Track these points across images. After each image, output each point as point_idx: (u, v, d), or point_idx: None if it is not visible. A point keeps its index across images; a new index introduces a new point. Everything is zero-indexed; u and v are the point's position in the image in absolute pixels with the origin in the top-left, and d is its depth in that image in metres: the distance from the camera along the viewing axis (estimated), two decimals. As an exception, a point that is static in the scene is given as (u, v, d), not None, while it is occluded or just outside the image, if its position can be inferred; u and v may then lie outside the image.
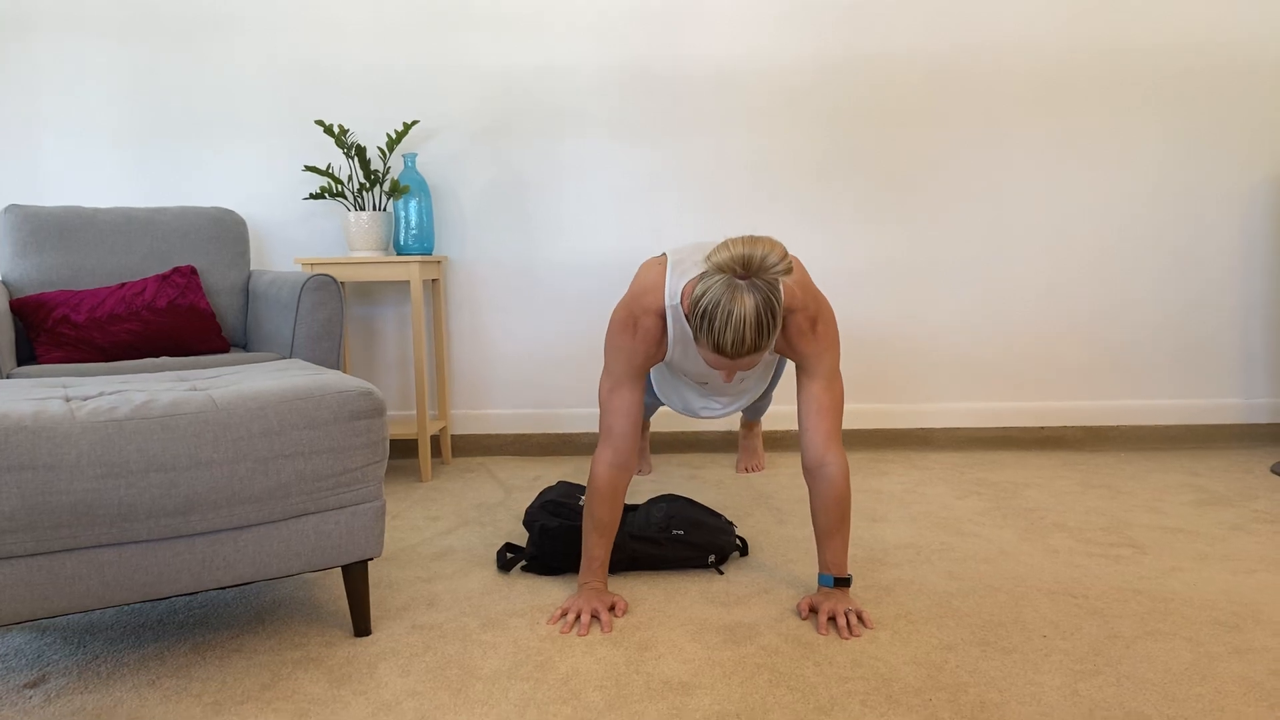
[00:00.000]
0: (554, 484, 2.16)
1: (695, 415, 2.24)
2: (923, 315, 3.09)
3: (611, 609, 1.71)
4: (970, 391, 3.11)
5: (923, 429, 3.11)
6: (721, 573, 1.92)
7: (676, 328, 1.76)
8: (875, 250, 3.07)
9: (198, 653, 1.58)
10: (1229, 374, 3.09)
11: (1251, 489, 2.52)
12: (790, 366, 3.11)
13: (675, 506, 2.03)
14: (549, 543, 1.91)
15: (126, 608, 1.80)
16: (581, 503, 2.04)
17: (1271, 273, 3.06)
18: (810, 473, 1.72)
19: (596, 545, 1.77)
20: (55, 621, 1.74)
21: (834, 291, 3.08)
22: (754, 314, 1.46)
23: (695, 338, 1.54)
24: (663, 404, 2.42)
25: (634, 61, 3.02)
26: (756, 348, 1.49)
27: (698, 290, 1.50)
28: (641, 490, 2.59)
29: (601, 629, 1.64)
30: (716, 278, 1.48)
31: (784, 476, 2.73)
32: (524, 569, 1.96)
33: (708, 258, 1.51)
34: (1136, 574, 1.86)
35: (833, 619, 1.64)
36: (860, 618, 1.65)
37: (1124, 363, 3.09)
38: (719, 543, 1.95)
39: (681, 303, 1.71)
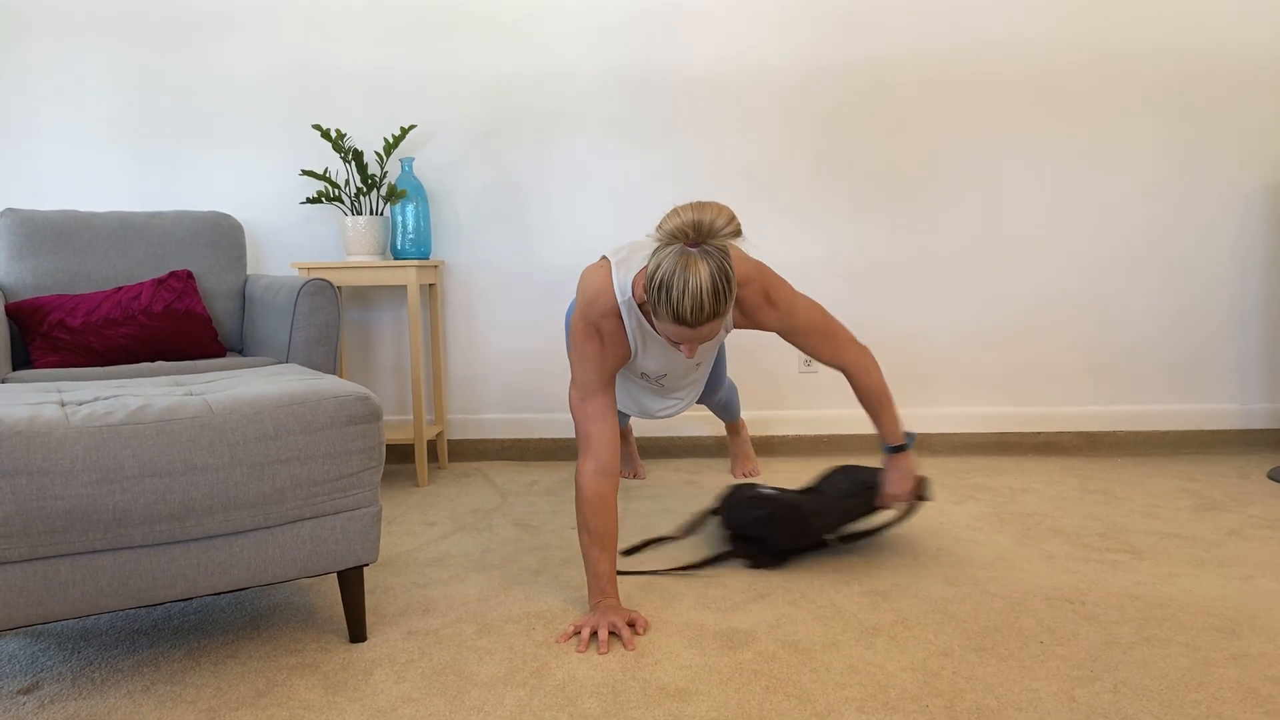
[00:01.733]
0: (725, 492, 2.12)
1: (651, 416, 2.23)
2: (919, 319, 3.09)
3: (631, 625, 1.63)
4: (967, 396, 3.11)
5: (919, 434, 3.11)
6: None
7: (632, 321, 1.77)
8: (871, 253, 3.07)
9: (192, 659, 1.57)
10: (1226, 380, 3.09)
11: (1248, 494, 2.52)
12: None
13: (847, 475, 2.12)
14: (772, 529, 1.93)
15: (121, 613, 1.79)
16: (766, 491, 2.03)
17: (1268, 278, 3.06)
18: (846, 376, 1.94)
19: (599, 560, 1.70)
20: (49, 627, 1.73)
21: (830, 294, 3.08)
22: (709, 279, 1.48)
23: (655, 312, 1.54)
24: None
25: (631, 64, 3.02)
26: (716, 313, 1.51)
27: (651, 265, 1.52)
28: (642, 495, 2.59)
29: (625, 645, 1.56)
30: (668, 250, 1.51)
31: (780, 480, 2.72)
32: (750, 567, 1.97)
33: (658, 226, 1.53)
34: (1133, 579, 1.86)
35: (897, 499, 1.97)
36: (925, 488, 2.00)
37: (1121, 368, 3.09)
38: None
39: (633, 294, 1.72)
